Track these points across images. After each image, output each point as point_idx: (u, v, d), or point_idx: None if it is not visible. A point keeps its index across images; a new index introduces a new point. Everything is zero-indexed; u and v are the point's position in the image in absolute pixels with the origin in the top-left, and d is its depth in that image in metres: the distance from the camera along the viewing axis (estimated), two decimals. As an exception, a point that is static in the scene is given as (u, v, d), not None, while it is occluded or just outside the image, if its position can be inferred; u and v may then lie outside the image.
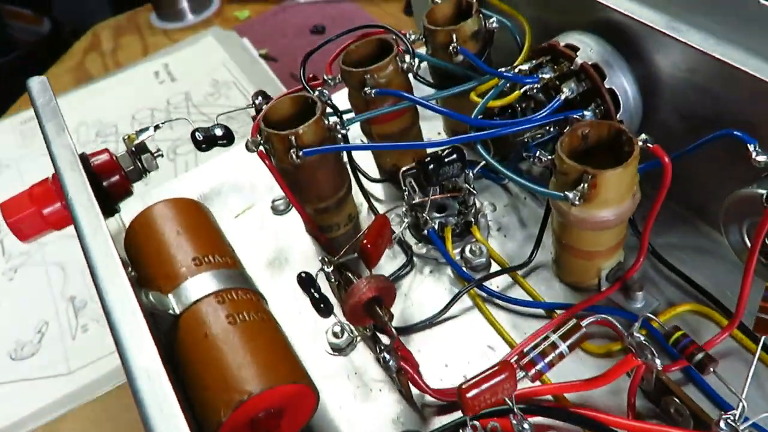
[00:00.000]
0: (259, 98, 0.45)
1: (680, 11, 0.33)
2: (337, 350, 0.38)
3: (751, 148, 0.29)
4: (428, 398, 0.34)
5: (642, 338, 0.30)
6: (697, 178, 0.35)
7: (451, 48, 0.41)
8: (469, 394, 0.28)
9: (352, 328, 0.38)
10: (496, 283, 0.39)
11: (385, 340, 0.35)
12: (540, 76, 0.36)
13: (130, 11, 1.28)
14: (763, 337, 0.29)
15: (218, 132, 0.43)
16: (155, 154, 0.44)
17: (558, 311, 0.36)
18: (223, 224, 0.43)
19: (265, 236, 0.46)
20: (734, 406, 0.30)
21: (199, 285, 0.34)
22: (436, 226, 0.39)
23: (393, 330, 0.32)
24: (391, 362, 0.32)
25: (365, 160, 0.46)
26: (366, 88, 0.39)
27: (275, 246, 0.45)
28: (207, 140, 0.42)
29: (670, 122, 0.36)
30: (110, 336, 0.27)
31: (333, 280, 0.37)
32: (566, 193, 0.31)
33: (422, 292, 0.39)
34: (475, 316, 0.38)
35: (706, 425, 0.29)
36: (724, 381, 0.28)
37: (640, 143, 0.31)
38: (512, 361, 0.30)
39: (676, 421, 0.30)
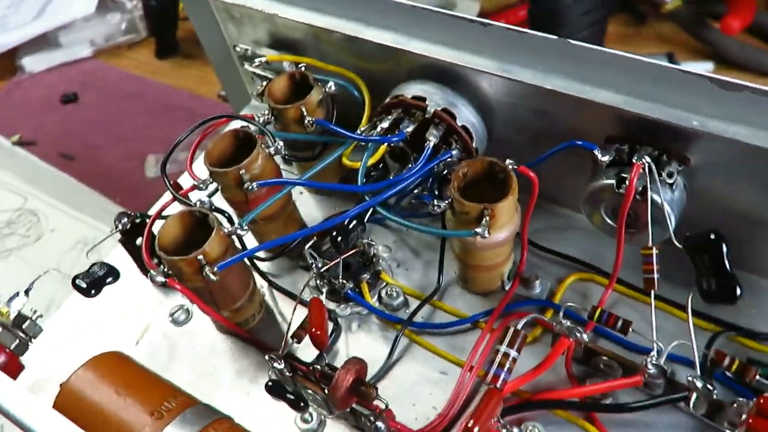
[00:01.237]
0: (124, 219, 0.44)
1: (496, 52, 0.40)
2: (312, 430, 0.39)
3: (595, 152, 0.37)
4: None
5: (569, 323, 0.37)
6: (549, 175, 0.42)
7: (306, 121, 0.43)
8: (476, 429, 0.32)
9: (316, 407, 0.40)
10: (420, 315, 0.43)
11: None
12: (405, 131, 0.41)
13: None
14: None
15: (101, 272, 0.40)
16: (35, 318, 0.40)
17: (482, 320, 0.42)
18: (131, 351, 0.41)
19: (180, 352, 0.44)
20: (642, 344, 0.39)
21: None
22: (352, 285, 0.42)
23: (381, 401, 0.35)
24: (382, 427, 0.35)
25: (250, 242, 0.47)
26: (245, 184, 0.40)
27: (196, 358, 0.44)
28: (94, 284, 0.40)
29: (509, 137, 0.43)
30: None
31: (287, 373, 0.38)
32: (476, 230, 0.36)
33: (360, 348, 0.42)
34: (416, 350, 0.42)
35: (633, 369, 0.37)
36: (640, 333, 0.36)
37: (510, 167, 0.38)
38: (469, 376, 0.36)
39: (608, 373, 0.38)
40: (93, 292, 0.40)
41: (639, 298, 0.41)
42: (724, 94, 0.33)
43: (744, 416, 0.33)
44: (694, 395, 0.35)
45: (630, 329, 0.36)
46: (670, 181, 0.36)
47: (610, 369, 0.38)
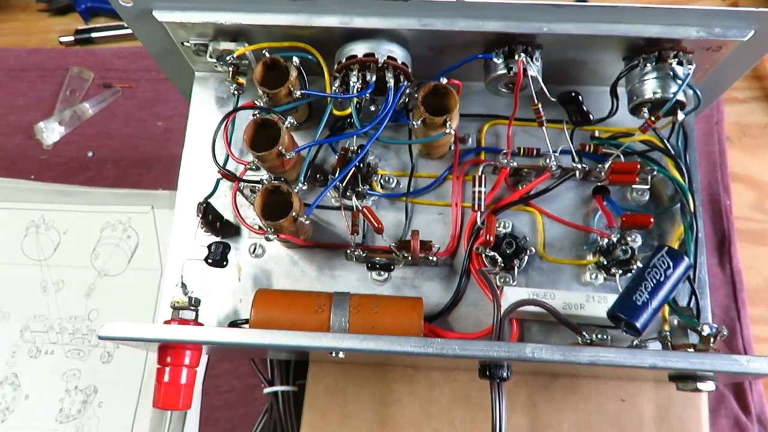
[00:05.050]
0: (201, 208, 0.61)
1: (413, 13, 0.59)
2: (384, 279, 0.64)
3: (493, 59, 0.60)
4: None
5: (504, 159, 0.63)
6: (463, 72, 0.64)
7: (297, 95, 0.61)
8: (491, 237, 0.59)
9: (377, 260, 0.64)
10: (413, 186, 0.67)
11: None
12: (372, 82, 0.60)
13: None
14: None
15: (220, 248, 0.59)
16: (192, 294, 0.58)
17: (448, 174, 0.67)
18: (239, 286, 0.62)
19: (273, 273, 0.65)
20: (543, 153, 0.66)
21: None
22: (370, 187, 0.65)
23: (434, 246, 0.60)
24: (434, 258, 0.61)
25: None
26: (286, 155, 0.58)
27: (285, 272, 0.65)
28: (222, 259, 0.59)
29: (422, 53, 0.64)
30: None
31: (363, 254, 0.62)
32: (445, 131, 0.59)
33: (388, 220, 0.66)
34: (419, 207, 0.66)
35: (543, 169, 0.64)
36: (541, 150, 0.64)
37: (446, 82, 0.60)
38: (457, 209, 0.62)
39: (529, 177, 0.66)
40: (225, 263, 0.59)
41: (530, 125, 0.67)
42: (558, 9, 0.57)
43: (603, 173, 0.63)
44: (577, 171, 0.64)
45: (540, 151, 0.64)
46: (537, 65, 0.61)
47: (530, 174, 0.66)
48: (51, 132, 1.00)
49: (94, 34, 1.07)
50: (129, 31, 1.06)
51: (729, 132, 0.99)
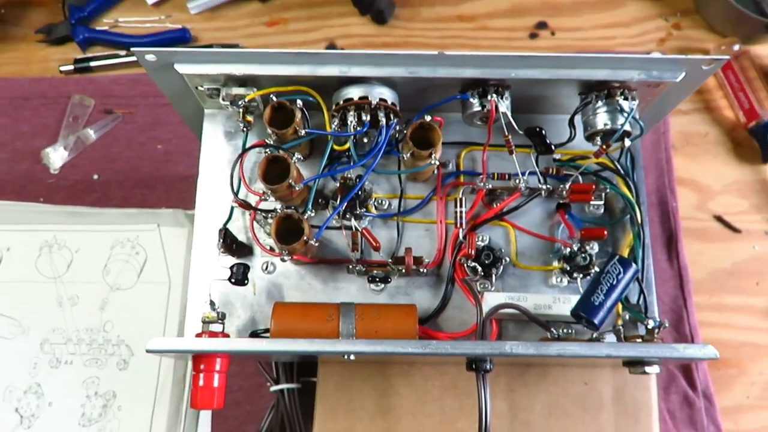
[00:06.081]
0: (222, 234, 0.70)
1: (401, 62, 0.69)
2: (381, 289, 0.74)
3: (470, 99, 0.71)
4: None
5: (481, 184, 0.74)
6: (443, 106, 0.74)
7: (301, 133, 0.70)
8: (473, 251, 0.70)
9: (375, 273, 0.74)
10: (402, 207, 0.77)
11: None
12: (366, 122, 0.70)
13: None
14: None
15: (241, 269, 0.68)
16: (218, 309, 0.67)
17: (433, 195, 0.77)
18: (254, 299, 0.71)
19: (284, 287, 0.75)
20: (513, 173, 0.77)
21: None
22: (366, 209, 0.75)
23: (423, 260, 0.71)
24: (424, 269, 0.72)
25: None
26: (295, 186, 0.68)
27: (295, 286, 0.75)
28: (243, 278, 0.68)
29: (408, 93, 0.74)
30: None
31: (363, 269, 0.72)
32: (430, 162, 0.69)
33: (382, 237, 0.76)
34: (408, 225, 0.77)
35: (514, 189, 0.75)
36: (511, 175, 0.75)
37: (429, 119, 0.70)
38: (442, 226, 0.73)
39: (502, 197, 0.76)
40: (246, 282, 0.68)
41: (502, 150, 0.78)
42: (523, 59, 0.68)
43: (565, 192, 0.74)
44: (543, 191, 0.75)
45: (510, 175, 0.74)
46: (507, 101, 0.71)
47: (503, 194, 0.77)
48: (57, 157, 1.07)
49: (92, 63, 1.14)
50: (126, 59, 1.14)
51: (674, 141, 1.12)
